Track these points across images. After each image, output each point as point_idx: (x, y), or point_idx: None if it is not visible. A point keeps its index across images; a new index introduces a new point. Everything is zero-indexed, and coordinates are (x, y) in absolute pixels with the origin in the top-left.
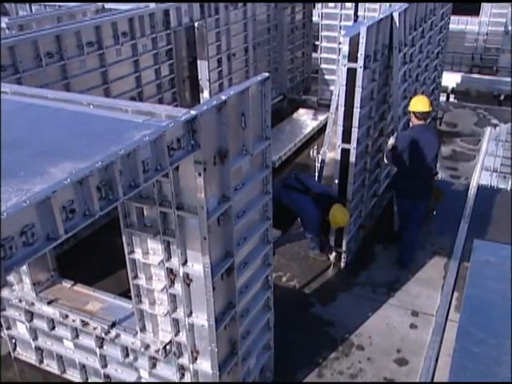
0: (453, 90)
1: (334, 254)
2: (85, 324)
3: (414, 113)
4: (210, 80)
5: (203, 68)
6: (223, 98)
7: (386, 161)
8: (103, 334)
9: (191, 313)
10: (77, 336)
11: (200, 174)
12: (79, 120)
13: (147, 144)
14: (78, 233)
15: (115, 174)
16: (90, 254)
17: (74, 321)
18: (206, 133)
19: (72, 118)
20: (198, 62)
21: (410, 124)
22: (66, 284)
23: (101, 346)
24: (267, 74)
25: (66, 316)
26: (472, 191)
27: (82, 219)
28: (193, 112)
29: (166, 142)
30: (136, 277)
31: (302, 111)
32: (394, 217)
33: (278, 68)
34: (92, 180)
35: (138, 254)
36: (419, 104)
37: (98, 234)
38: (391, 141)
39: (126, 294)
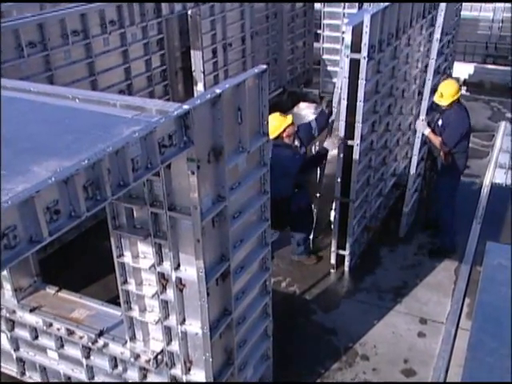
0: (465, 82)
1: (334, 256)
2: (70, 333)
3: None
4: (204, 72)
5: (197, 59)
6: (218, 91)
7: (444, 148)
8: (90, 344)
9: (184, 320)
10: (62, 346)
11: (193, 173)
12: (64, 115)
13: (137, 141)
14: (62, 235)
15: (103, 173)
16: (75, 258)
17: (58, 329)
18: (200, 129)
19: (56, 112)
20: (192, 52)
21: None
22: (50, 290)
23: (87, 357)
24: (265, 66)
25: (50, 324)
26: (485, 190)
27: (67, 220)
28: (185, 106)
29: (157, 139)
30: (125, 282)
31: (302, 105)
32: (402, 218)
33: (277, 59)
34: (78, 179)
35: (127, 258)
36: (457, 88)
37: (85, 236)
38: (423, 123)
39: (114, 301)
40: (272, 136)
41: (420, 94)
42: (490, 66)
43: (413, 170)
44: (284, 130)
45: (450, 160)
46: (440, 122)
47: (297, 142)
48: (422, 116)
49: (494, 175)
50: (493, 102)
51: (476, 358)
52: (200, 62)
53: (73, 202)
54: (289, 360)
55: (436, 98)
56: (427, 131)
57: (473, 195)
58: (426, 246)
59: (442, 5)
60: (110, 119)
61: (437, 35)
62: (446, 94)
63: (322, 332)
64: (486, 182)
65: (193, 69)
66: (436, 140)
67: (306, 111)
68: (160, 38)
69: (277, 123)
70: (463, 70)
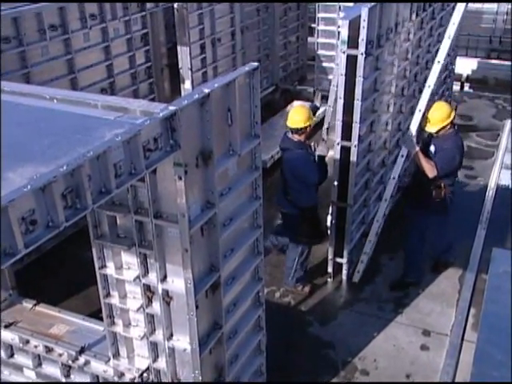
0: (468, 78)
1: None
2: (49, 350)
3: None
4: (191, 69)
5: (184, 55)
6: (206, 91)
7: (433, 174)
8: (70, 362)
9: (171, 335)
10: (39, 364)
11: (180, 178)
12: (41, 117)
13: (120, 144)
14: (40, 244)
15: (83, 180)
16: (54, 269)
17: (36, 347)
18: (187, 131)
19: (33, 114)
20: (179, 48)
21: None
22: (27, 304)
23: (67, 375)
24: (256, 64)
25: (27, 341)
26: (490, 193)
27: (44, 231)
28: (172, 108)
29: (142, 142)
30: (108, 295)
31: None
32: (359, 264)
33: (269, 55)
34: (56, 186)
35: (110, 269)
36: (447, 112)
37: (64, 246)
38: (413, 139)
39: (96, 315)
40: (296, 125)
41: (420, 92)
42: (494, 61)
43: (382, 210)
44: (308, 127)
45: (442, 196)
46: (432, 149)
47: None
48: (413, 130)
49: (499, 177)
50: (497, 99)
51: (483, 373)
52: (187, 59)
53: (50, 212)
54: (284, 376)
55: (423, 124)
56: (415, 150)
57: (477, 198)
58: (428, 253)
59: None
60: (91, 121)
61: (449, 32)
62: (434, 119)
63: (318, 345)
64: (491, 184)
65: (180, 66)
66: (426, 163)
67: None
68: (144, 33)
69: (306, 115)
70: (466, 65)
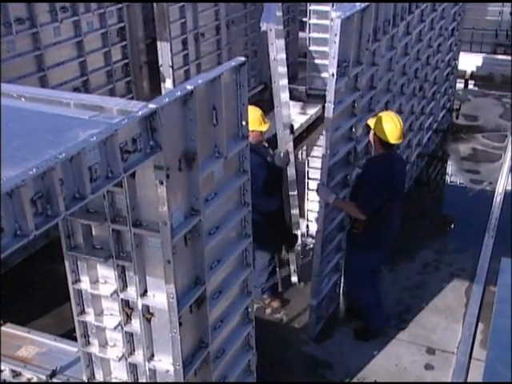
0: (472, 75)
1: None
2: (16, 375)
3: (381, 138)
4: (173, 66)
5: (165, 51)
6: (189, 87)
7: (359, 215)
8: None
9: (152, 355)
10: None
11: (162, 183)
12: (7, 117)
13: (95, 145)
14: (7, 257)
15: (54, 184)
16: (23, 286)
17: (1, 371)
18: (169, 131)
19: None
20: (158, 44)
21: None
22: None
23: None
24: (243, 59)
25: None
26: (498, 198)
27: (12, 240)
28: (152, 106)
29: (119, 144)
30: (82, 312)
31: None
32: (310, 314)
33: (257, 51)
34: (24, 191)
35: (84, 284)
36: (392, 133)
37: (34, 259)
38: (325, 189)
39: (70, 335)
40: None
41: (421, 89)
42: (500, 57)
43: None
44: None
45: (361, 228)
46: (358, 174)
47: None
48: (323, 178)
49: (507, 181)
50: (504, 98)
51: None
52: (168, 55)
53: (18, 219)
54: (282, 381)
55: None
56: (332, 199)
57: (484, 204)
58: (431, 264)
59: None
60: (63, 121)
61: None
62: (389, 138)
63: (314, 366)
64: (499, 188)
65: (160, 63)
66: (347, 207)
67: (292, 111)
68: (121, 28)
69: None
70: (470, 61)
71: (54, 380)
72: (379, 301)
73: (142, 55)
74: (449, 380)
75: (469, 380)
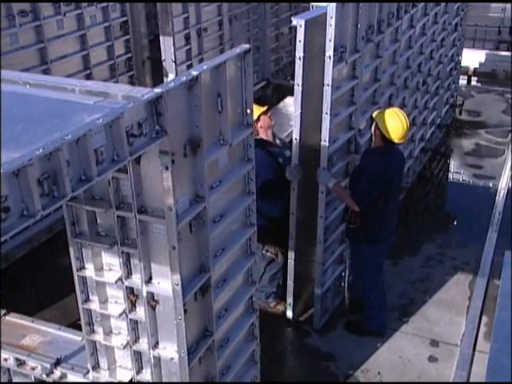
0: (475, 72)
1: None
2: (20, 363)
3: (383, 133)
4: (175, 61)
5: (167, 46)
6: (194, 73)
7: (353, 206)
8: (44, 376)
9: (157, 343)
10: (9, 381)
11: (167, 168)
12: (12, 102)
13: (101, 128)
14: (11, 251)
15: (61, 165)
16: (27, 278)
17: (6, 360)
18: (174, 116)
19: (3, 99)
20: (161, 38)
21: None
22: None
23: None
24: (248, 46)
25: None
26: (501, 193)
27: (18, 220)
28: (157, 90)
29: (125, 127)
30: (87, 300)
31: (289, 100)
32: (315, 304)
33: (259, 47)
34: (31, 171)
35: (89, 271)
36: (397, 131)
37: (37, 252)
38: (326, 172)
39: (73, 327)
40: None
41: (425, 84)
42: (503, 53)
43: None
44: (258, 119)
45: (357, 222)
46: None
47: (278, 141)
48: (324, 163)
49: (510, 176)
50: (508, 94)
51: None
52: (171, 50)
53: (25, 199)
54: (283, 382)
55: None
56: (332, 184)
57: (487, 199)
58: (434, 258)
59: None
60: (68, 106)
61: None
62: (392, 135)
63: (317, 358)
64: (502, 184)
65: (163, 58)
66: (344, 195)
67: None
68: (124, 22)
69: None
70: (473, 57)
71: (59, 368)
72: (382, 302)
73: (144, 51)
74: (452, 372)
75: (473, 373)
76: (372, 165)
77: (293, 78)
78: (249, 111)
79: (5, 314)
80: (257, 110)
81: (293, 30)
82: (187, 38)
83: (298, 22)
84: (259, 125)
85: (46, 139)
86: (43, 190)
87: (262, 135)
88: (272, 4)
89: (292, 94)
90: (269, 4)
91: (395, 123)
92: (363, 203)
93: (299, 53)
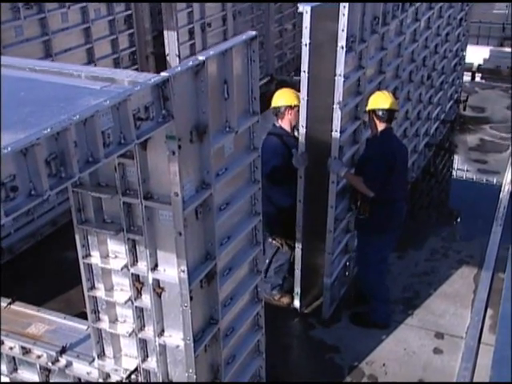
0: (479, 68)
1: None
2: (26, 352)
3: (376, 112)
4: (179, 56)
5: (171, 41)
6: (201, 58)
7: (368, 192)
8: (50, 364)
9: (163, 331)
10: (15, 369)
11: (174, 153)
12: (19, 86)
13: (108, 111)
14: (14, 245)
15: (68, 146)
16: (31, 271)
17: (11, 348)
18: (181, 101)
19: (9, 83)
20: (165, 33)
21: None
22: (2, 303)
23: (47, 380)
24: (254, 33)
25: (2, 342)
26: (506, 188)
27: (26, 199)
28: (164, 74)
29: (132, 110)
30: (93, 287)
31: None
32: (324, 294)
33: (263, 43)
34: (39, 151)
35: (95, 258)
36: (382, 100)
37: (41, 246)
38: (337, 161)
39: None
40: (273, 105)
41: (429, 78)
42: (507, 50)
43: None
44: (291, 107)
45: (367, 212)
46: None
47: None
48: (335, 152)
49: None
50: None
51: (502, 376)
52: (175, 45)
53: (33, 179)
54: (285, 381)
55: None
56: (343, 172)
57: (492, 194)
58: (439, 251)
59: None
60: (75, 90)
61: None
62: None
63: (322, 349)
64: (507, 178)
65: (166, 52)
66: (358, 182)
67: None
68: (128, 15)
69: (287, 95)
70: (477, 54)
71: (64, 356)
72: (386, 295)
73: (148, 46)
74: (458, 364)
75: (478, 365)
76: (377, 150)
77: (296, 74)
78: (255, 99)
79: (10, 303)
80: (296, 99)
81: (296, 26)
82: (191, 32)
83: (305, 9)
84: (289, 112)
85: (52, 121)
86: (51, 170)
87: (284, 124)
88: None
89: (295, 90)
90: None
91: (377, 95)
92: (376, 187)
93: (305, 39)
